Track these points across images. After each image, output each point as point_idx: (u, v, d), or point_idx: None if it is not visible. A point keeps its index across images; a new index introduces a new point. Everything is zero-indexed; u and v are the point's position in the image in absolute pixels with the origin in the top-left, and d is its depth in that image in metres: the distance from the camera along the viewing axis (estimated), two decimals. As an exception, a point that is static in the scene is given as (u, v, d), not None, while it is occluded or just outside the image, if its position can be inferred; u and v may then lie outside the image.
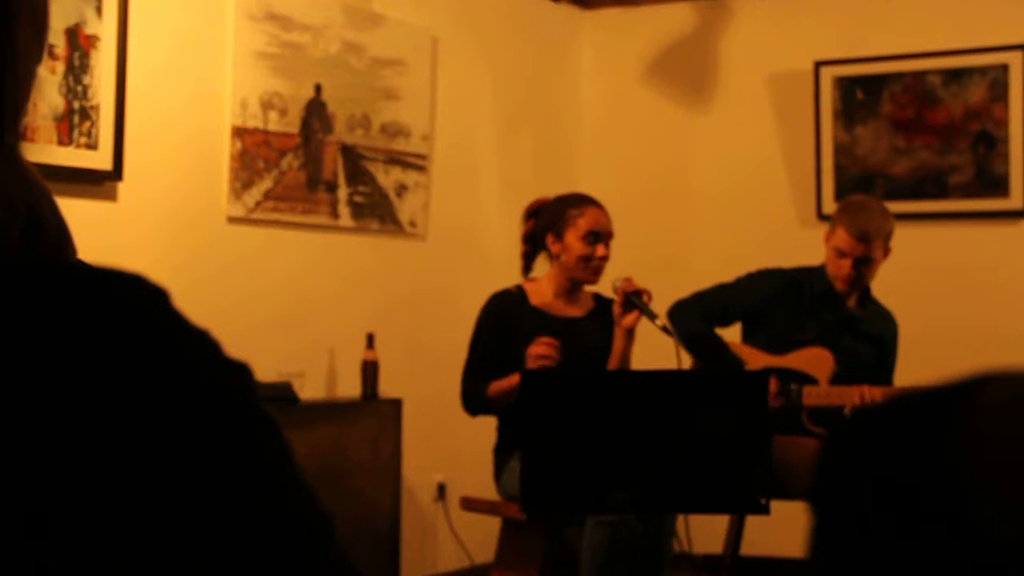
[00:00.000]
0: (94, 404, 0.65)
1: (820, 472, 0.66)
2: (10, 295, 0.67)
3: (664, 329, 3.80)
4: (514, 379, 3.73)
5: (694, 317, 4.22)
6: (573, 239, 3.94)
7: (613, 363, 3.92)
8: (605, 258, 3.95)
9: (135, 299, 0.69)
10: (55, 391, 0.65)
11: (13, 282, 0.67)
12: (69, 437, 0.64)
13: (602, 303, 4.06)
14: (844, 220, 4.17)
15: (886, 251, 4.18)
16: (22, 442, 0.64)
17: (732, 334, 4.35)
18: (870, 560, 0.61)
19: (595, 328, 4.00)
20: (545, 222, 4.01)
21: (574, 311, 4.03)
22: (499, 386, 3.87)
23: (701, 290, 4.31)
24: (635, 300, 3.85)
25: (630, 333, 3.90)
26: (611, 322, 3.95)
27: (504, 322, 3.95)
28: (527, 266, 4.13)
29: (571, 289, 4.02)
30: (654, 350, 4.08)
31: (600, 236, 3.95)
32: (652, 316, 3.83)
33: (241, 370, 0.72)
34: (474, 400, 3.96)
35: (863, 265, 4.14)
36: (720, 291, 4.32)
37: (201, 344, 0.70)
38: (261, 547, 0.68)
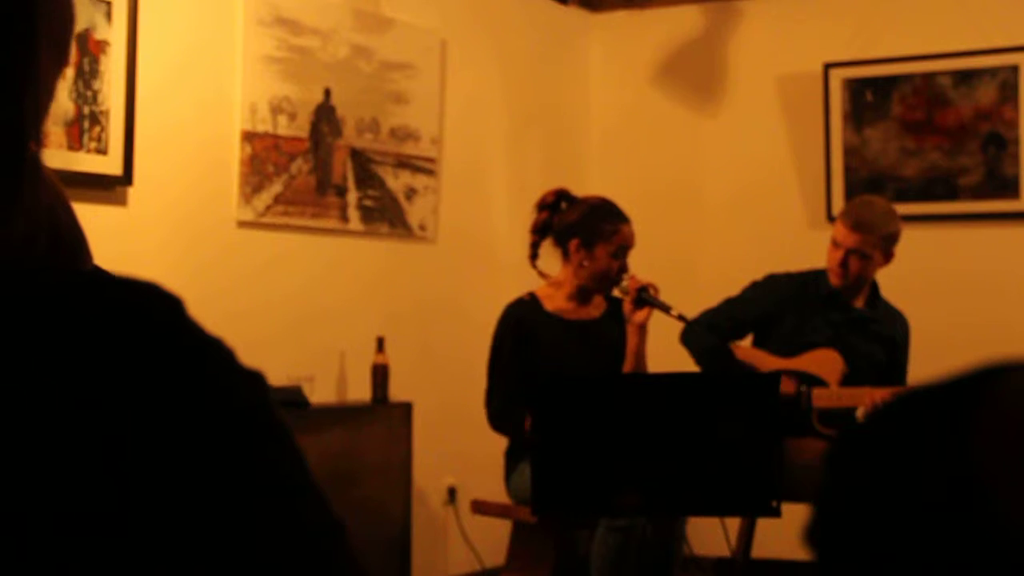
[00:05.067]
0: (109, 413, 0.65)
1: (828, 472, 0.65)
2: (28, 304, 0.67)
3: (680, 318, 3.86)
4: None
5: (707, 336, 4.21)
6: (603, 254, 3.92)
7: (628, 361, 3.91)
8: (626, 271, 3.95)
9: (150, 307, 0.70)
10: (71, 399, 0.65)
11: (31, 291, 0.68)
12: (85, 446, 0.64)
13: (614, 302, 4.04)
14: (844, 211, 4.24)
15: (886, 254, 4.16)
16: (39, 449, 0.64)
17: (743, 339, 4.35)
18: (881, 562, 0.61)
19: (611, 327, 3.99)
20: (572, 225, 3.97)
21: (589, 313, 4.02)
22: None
23: (709, 308, 4.29)
24: (646, 296, 3.87)
25: (643, 329, 3.90)
26: (624, 320, 3.95)
27: (523, 330, 3.92)
28: (535, 254, 4.08)
29: (584, 292, 4.01)
30: (670, 348, 4.09)
31: (626, 251, 3.96)
32: (666, 308, 3.85)
33: (255, 379, 0.72)
34: (504, 422, 3.90)
35: (854, 257, 4.12)
36: (728, 305, 4.31)
37: (215, 352, 0.71)
38: (274, 557, 0.68)
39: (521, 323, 3.94)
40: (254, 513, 0.68)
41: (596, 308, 4.04)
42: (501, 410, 3.90)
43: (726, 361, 4.19)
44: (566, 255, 3.99)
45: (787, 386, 4.06)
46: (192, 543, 0.66)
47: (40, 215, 0.76)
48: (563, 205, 4.07)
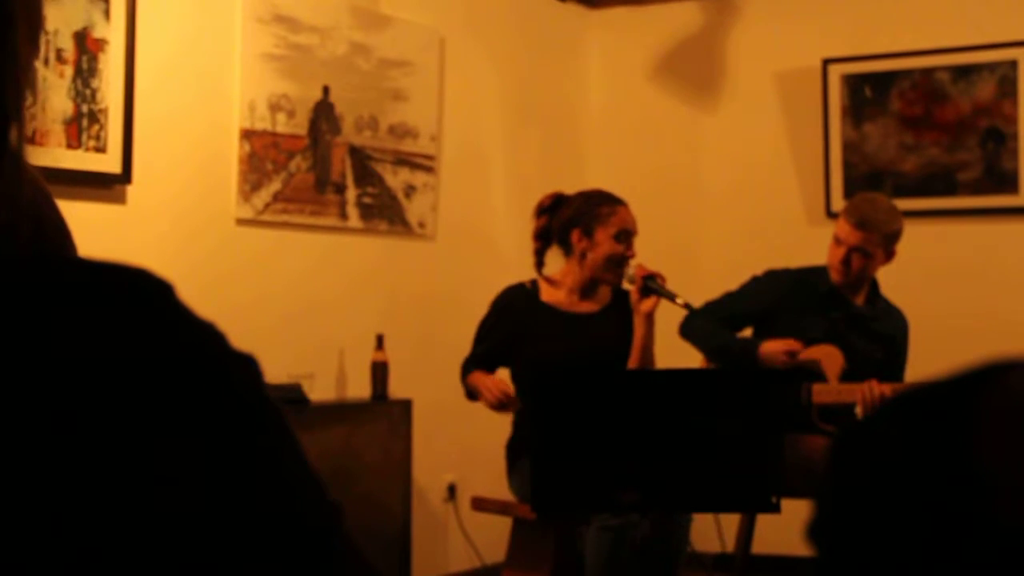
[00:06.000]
0: (99, 397, 0.65)
1: (830, 469, 0.65)
2: (18, 290, 0.67)
3: (686, 306, 3.85)
4: (485, 383, 3.82)
5: (708, 325, 4.21)
6: (604, 237, 3.89)
7: (635, 352, 3.89)
8: (632, 256, 3.93)
9: (140, 292, 0.69)
10: (60, 385, 0.65)
11: (21, 278, 0.68)
12: (73, 431, 0.64)
13: (619, 295, 4.01)
14: (848, 209, 4.22)
15: (888, 252, 4.16)
16: (24, 435, 0.64)
17: (742, 335, 4.35)
18: (882, 557, 0.61)
19: (610, 322, 3.96)
20: (570, 218, 3.95)
21: (588, 307, 3.99)
22: (474, 381, 3.92)
23: (709, 301, 4.29)
24: (652, 284, 3.84)
25: (650, 319, 3.87)
26: (629, 313, 3.92)
27: (511, 316, 3.95)
28: (540, 262, 4.08)
29: (589, 286, 3.99)
30: (676, 339, 4.09)
31: (629, 235, 3.93)
32: (672, 296, 3.82)
33: (247, 361, 0.72)
34: (462, 380, 4.02)
35: (857, 255, 4.12)
36: (728, 299, 4.31)
37: (206, 336, 0.71)
38: (268, 538, 0.68)
39: (511, 308, 3.97)
40: (246, 496, 0.68)
41: (596, 303, 4.02)
42: (462, 371, 4.01)
43: (729, 338, 4.19)
44: (569, 250, 3.97)
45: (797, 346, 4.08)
46: (186, 530, 0.66)
47: (23, 204, 0.75)
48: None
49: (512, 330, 3.93)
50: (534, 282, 4.03)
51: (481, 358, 3.99)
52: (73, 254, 0.80)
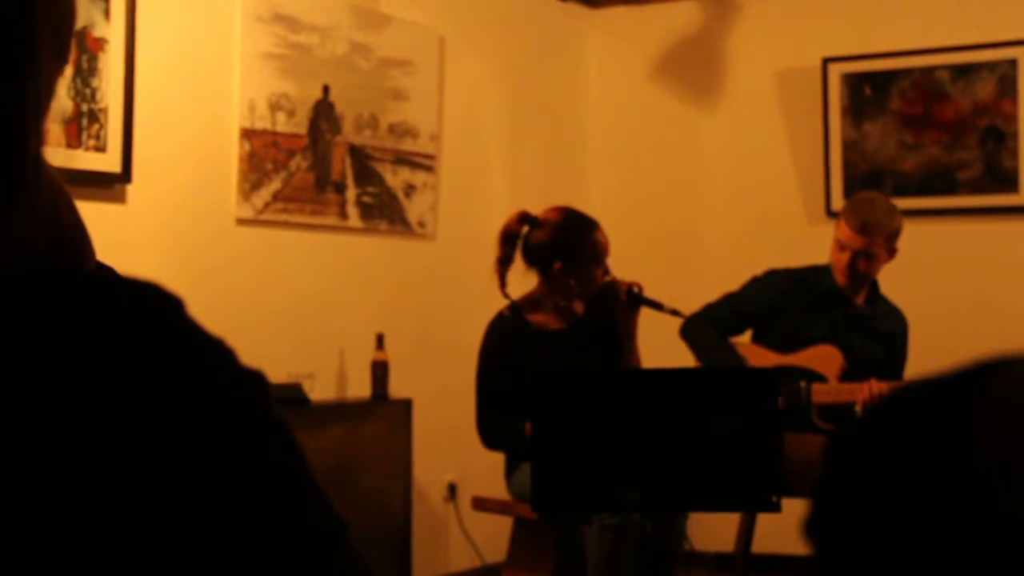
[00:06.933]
0: (108, 411, 0.65)
1: (826, 465, 0.65)
2: (26, 305, 0.67)
3: (674, 312, 3.89)
4: None
5: (706, 331, 4.21)
6: (592, 268, 3.90)
7: (624, 349, 3.93)
8: (607, 273, 3.96)
9: (150, 307, 0.70)
10: (69, 398, 0.65)
11: (35, 293, 0.68)
12: (85, 449, 0.64)
13: (598, 292, 3.99)
14: (847, 212, 4.21)
15: (890, 250, 4.17)
16: (36, 447, 0.64)
17: (742, 335, 4.35)
18: (880, 554, 0.61)
19: (598, 319, 3.97)
20: (549, 249, 3.91)
21: (572, 316, 3.98)
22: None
23: (710, 303, 4.30)
24: (638, 297, 3.90)
25: (633, 322, 3.95)
26: (608, 307, 3.94)
27: (508, 350, 3.87)
28: (504, 283, 3.99)
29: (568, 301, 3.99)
30: (667, 345, 4.09)
31: (606, 254, 3.94)
32: (658, 305, 3.88)
33: (256, 378, 0.72)
34: (496, 438, 3.88)
35: (862, 258, 4.14)
36: (729, 300, 4.31)
37: (216, 352, 0.71)
38: (274, 555, 0.68)
39: (505, 339, 3.89)
40: (257, 514, 0.68)
41: (577, 309, 4.01)
42: (493, 431, 3.88)
43: (726, 355, 4.19)
44: (547, 276, 3.94)
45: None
46: (195, 545, 0.66)
47: (42, 215, 0.75)
48: (525, 229, 4.00)
49: (514, 362, 3.84)
50: (513, 308, 3.96)
51: (505, 405, 3.82)
52: (91, 258, 0.80)
